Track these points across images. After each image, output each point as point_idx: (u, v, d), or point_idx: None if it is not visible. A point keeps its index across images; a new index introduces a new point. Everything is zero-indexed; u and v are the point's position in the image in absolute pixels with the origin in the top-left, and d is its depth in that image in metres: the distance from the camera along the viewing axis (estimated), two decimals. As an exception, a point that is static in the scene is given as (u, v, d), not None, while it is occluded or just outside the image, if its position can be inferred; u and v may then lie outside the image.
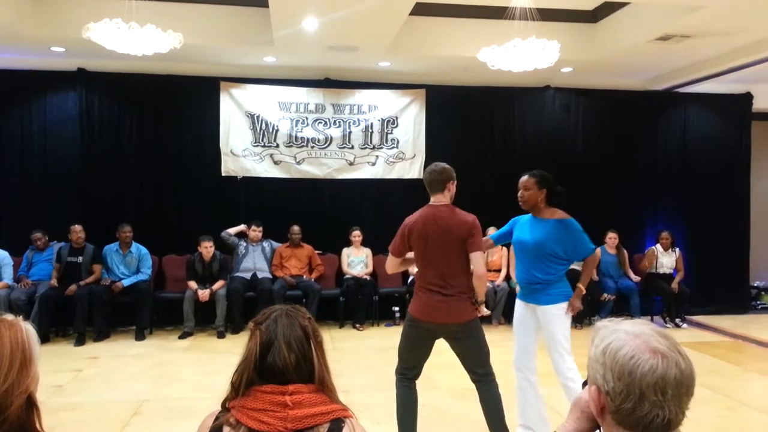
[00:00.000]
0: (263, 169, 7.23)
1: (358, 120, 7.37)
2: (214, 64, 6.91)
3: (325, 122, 7.32)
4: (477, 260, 3.10)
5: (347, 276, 7.04)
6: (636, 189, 7.87)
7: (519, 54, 4.93)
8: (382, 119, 7.40)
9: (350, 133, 7.35)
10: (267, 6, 5.23)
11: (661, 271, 7.34)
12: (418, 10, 5.61)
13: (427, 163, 6.58)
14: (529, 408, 3.43)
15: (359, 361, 5.48)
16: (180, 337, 6.33)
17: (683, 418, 1.09)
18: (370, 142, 7.41)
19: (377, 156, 7.43)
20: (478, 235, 3.11)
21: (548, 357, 3.37)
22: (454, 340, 3.18)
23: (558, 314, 3.30)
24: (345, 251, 7.19)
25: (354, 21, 5.37)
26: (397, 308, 7.00)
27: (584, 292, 3.42)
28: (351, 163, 7.38)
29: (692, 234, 7.86)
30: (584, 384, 1.20)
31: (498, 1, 5.31)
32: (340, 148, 7.34)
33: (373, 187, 7.47)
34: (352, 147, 7.37)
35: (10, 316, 1.28)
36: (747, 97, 7.96)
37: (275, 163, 7.24)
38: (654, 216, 7.95)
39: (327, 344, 1.47)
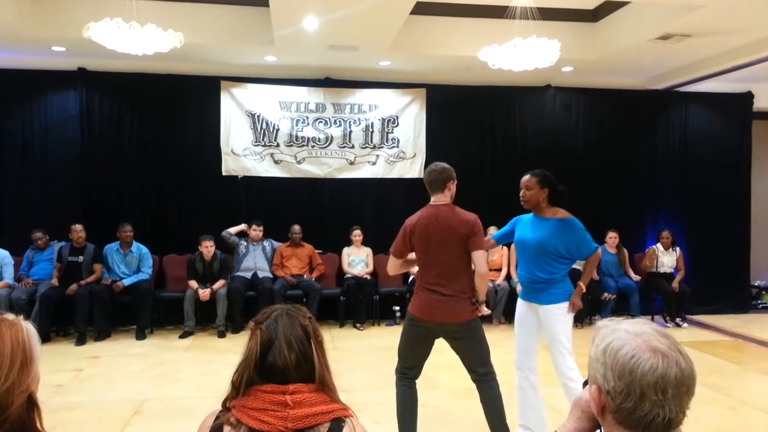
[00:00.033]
0: (264, 168, 7.23)
1: (359, 119, 7.37)
2: (215, 64, 6.91)
3: (326, 121, 7.32)
4: (479, 259, 3.10)
5: (348, 275, 7.04)
6: (636, 188, 7.86)
7: (519, 53, 4.93)
8: (382, 118, 7.40)
9: (351, 132, 7.35)
10: (267, 5, 5.23)
11: (661, 270, 7.34)
12: (419, 10, 5.61)
13: (427, 163, 6.59)
14: (529, 408, 3.43)
15: (360, 360, 5.48)
16: (181, 337, 6.34)
17: (684, 418, 1.09)
18: (371, 142, 7.40)
19: (378, 155, 7.43)
20: (480, 234, 3.11)
21: (549, 357, 3.37)
22: (454, 339, 3.18)
23: (560, 314, 3.30)
24: (345, 251, 7.19)
25: (354, 20, 5.37)
26: (397, 308, 7.01)
27: (584, 290, 3.42)
28: (351, 163, 7.39)
29: (693, 233, 7.86)
30: (585, 384, 1.20)
31: (498, 1, 5.31)
32: (340, 147, 7.34)
33: (374, 186, 7.48)
34: (353, 146, 7.37)
35: (10, 316, 1.28)
36: (748, 97, 7.96)
37: (276, 162, 7.25)
38: (654, 215, 7.95)
39: (327, 344, 1.47)
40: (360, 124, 7.37)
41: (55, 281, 6.23)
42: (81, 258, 6.40)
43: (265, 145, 7.22)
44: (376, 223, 7.34)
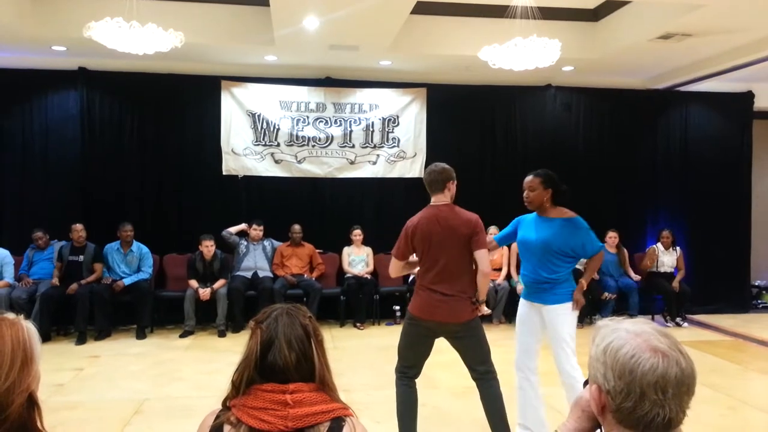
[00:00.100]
0: (264, 168, 7.23)
1: (359, 119, 7.37)
2: (215, 63, 6.91)
3: (326, 121, 7.32)
4: (482, 258, 3.10)
5: (348, 275, 7.04)
6: (637, 188, 7.86)
7: (520, 53, 4.93)
8: (383, 118, 7.40)
9: (351, 132, 7.35)
10: (268, 5, 5.23)
11: (662, 269, 7.34)
12: (419, 9, 5.61)
13: (428, 162, 6.59)
14: (529, 408, 3.43)
15: (360, 359, 5.48)
16: (181, 336, 6.34)
17: (684, 417, 1.09)
18: (371, 141, 7.40)
19: (378, 155, 7.43)
20: (482, 233, 3.12)
21: (550, 356, 3.37)
22: (455, 339, 3.19)
23: (565, 313, 3.30)
24: (346, 250, 7.19)
25: (355, 20, 5.37)
26: (397, 307, 7.01)
27: (586, 287, 3.41)
28: (352, 162, 7.38)
29: (693, 233, 7.86)
30: (585, 383, 1.21)
31: (499, 0, 5.30)
32: (341, 147, 7.34)
33: (374, 186, 7.48)
34: (353, 146, 7.37)
35: (11, 315, 1.29)
36: (748, 96, 7.95)
37: (276, 162, 7.25)
38: (655, 215, 7.95)
39: (328, 343, 1.47)
40: (360, 123, 7.37)
41: (55, 281, 6.23)
42: (81, 257, 6.40)
43: (265, 145, 7.22)
44: (377, 223, 7.35)
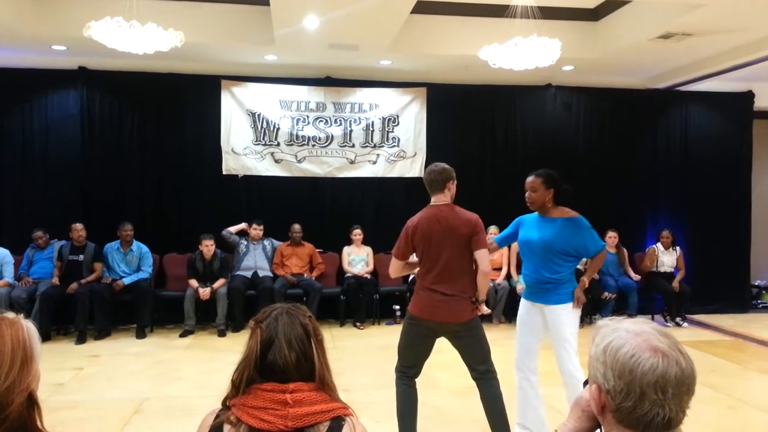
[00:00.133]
0: (264, 167, 7.23)
1: (359, 118, 7.37)
2: (215, 63, 6.91)
3: (326, 120, 7.32)
4: (482, 258, 3.10)
5: (348, 274, 7.04)
6: (637, 187, 7.86)
7: (520, 52, 4.93)
8: (383, 117, 7.40)
9: (351, 131, 7.35)
10: (268, 4, 5.23)
11: (661, 269, 7.34)
12: (419, 9, 5.60)
13: (428, 162, 6.59)
14: (529, 408, 3.43)
15: (360, 359, 5.48)
16: (181, 336, 6.34)
17: (684, 417, 1.09)
18: (371, 141, 7.40)
19: (378, 154, 7.43)
20: (482, 233, 3.12)
21: (550, 356, 3.37)
22: (455, 338, 3.19)
23: (567, 313, 3.29)
24: (346, 250, 7.19)
25: (355, 19, 5.37)
26: (397, 307, 7.01)
27: (587, 285, 3.41)
28: (352, 162, 7.38)
29: (693, 233, 7.86)
30: (585, 383, 1.21)
31: (499, 0, 5.30)
32: (341, 146, 7.34)
33: (374, 185, 7.47)
34: (353, 145, 7.36)
35: (11, 315, 1.29)
36: (748, 96, 7.95)
37: (276, 161, 7.25)
38: (655, 214, 7.95)
39: (327, 343, 1.47)
40: (360, 123, 7.37)
41: (55, 280, 6.24)
42: (81, 257, 6.40)
43: (265, 144, 7.22)
44: (377, 223, 7.35)
